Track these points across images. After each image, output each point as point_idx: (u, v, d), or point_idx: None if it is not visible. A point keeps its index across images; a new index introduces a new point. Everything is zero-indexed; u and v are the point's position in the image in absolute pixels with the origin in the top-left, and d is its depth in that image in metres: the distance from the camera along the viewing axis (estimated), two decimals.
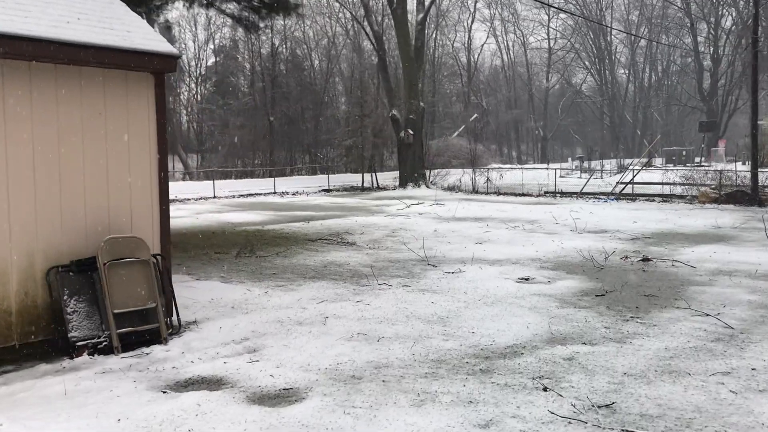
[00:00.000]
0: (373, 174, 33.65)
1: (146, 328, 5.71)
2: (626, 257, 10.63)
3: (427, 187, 31.28)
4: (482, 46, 79.13)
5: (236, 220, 17.58)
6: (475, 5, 71.17)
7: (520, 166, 45.76)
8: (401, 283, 8.62)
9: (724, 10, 62.68)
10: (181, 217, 18.78)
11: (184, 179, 45.14)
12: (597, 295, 7.91)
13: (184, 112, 61.24)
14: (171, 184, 26.59)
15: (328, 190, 31.54)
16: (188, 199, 26.07)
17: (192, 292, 7.92)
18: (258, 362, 5.28)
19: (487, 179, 30.53)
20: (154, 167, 6.17)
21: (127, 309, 5.60)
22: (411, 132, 31.30)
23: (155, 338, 5.75)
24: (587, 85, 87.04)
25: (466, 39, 74.79)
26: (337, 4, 43.55)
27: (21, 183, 5.35)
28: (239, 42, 57.23)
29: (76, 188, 5.66)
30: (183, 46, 60.98)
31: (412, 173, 31.57)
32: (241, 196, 28.01)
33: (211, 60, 61.17)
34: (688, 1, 61.95)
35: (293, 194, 29.28)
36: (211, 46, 60.90)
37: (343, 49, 55.67)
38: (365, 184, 33.27)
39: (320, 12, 53.04)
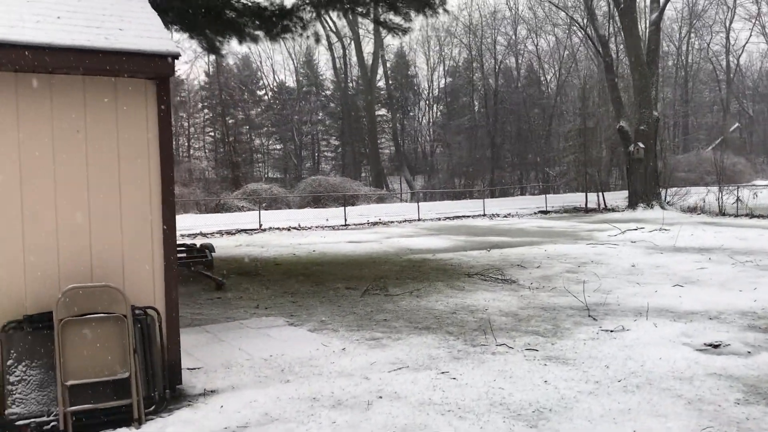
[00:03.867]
0: (599, 193, 30.33)
1: (113, 405, 4.43)
2: None
3: (662, 208, 27.30)
4: (744, 46, 69.58)
5: (416, 246, 16.22)
6: (734, 2, 62.85)
7: None
8: (529, 344, 6.48)
9: None
10: (367, 241, 17.94)
11: (410, 201, 45.12)
12: None
13: (414, 133, 62.00)
14: (390, 206, 26.42)
15: (545, 212, 29.02)
16: (392, 222, 25.39)
17: (259, 344, 6.60)
18: None
19: (737, 199, 25.79)
20: (155, 197, 4.93)
21: (87, 380, 4.37)
22: (641, 146, 27.60)
23: (131, 418, 4.44)
24: None
25: (726, 40, 66.38)
26: (563, 14, 40.66)
27: None
28: (474, 61, 56.51)
29: (45, 226, 4.59)
30: (416, 69, 61.99)
31: (644, 192, 27.79)
32: (447, 218, 26.68)
33: (443, 81, 61.32)
34: None
35: (504, 216, 27.29)
36: (445, 67, 61.04)
37: (574, 61, 52.24)
38: (590, 205, 30.11)
39: (552, 22, 50.30)
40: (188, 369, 5.73)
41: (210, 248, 12.46)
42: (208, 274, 10.66)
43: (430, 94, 62.34)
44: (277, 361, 5.98)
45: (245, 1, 11.39)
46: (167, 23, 13.01)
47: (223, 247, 17.27)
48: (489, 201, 35.64)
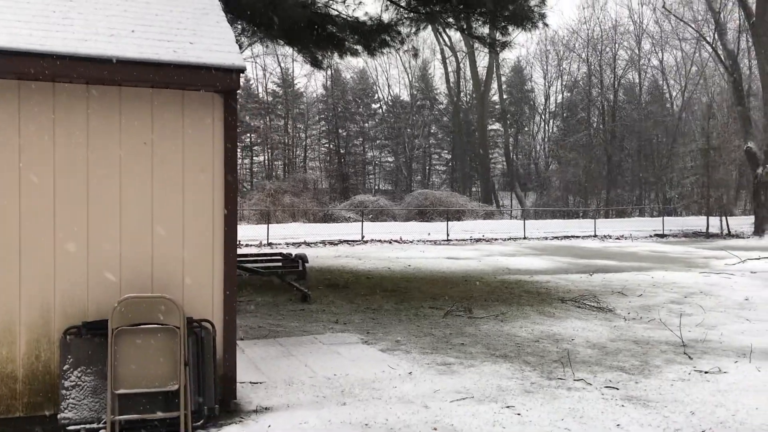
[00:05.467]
0: (723, 218, 28.40)
1: (161, 416, 4.44)
2: None
3: None
4: None
5: (514, 266, 15.73)
6: None
7: None
8: (610, 381, 6.00)
9: None
10: (465, 258, 17.63)
11: (520, 218, 44.20)
12: None
13: (528, 148, 60.79)
14: (497, 222, 26.07)
15: (661, 235, 27.51)
16: (496, 239, 24.88)
17: (326, 361, 6.50)
18: None
19: None
20: (218, 211, 4.93)
21: (137, 390, 4.40)
22: None
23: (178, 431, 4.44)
24: None
25: None
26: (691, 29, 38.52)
27: (37, 223, 4.55)
28: (593, 76, 54.72)
29: (109, 233, 4.69)
30: (532, 83, 60.84)
31: None
32: (555, 238, 25.82)
33: (560, 96, 59.82)
34: None
35: (616, 238, 26.08)
36: (563, 82, 59.53)
37: (702, 77, 49.34)
38: (711, 230, 28.27)
39: (679, 36, 47.84)
40: (251, 383, 5.71)
41: (304, 258, 12.57)
42: (296, 285, 10.74)
43: (547, 109, 60.99)
44: (339, 381, 5.85)
45: (345, 16, 11.50)
46: (273, 38, 13.35)
47: (322, 257, 17.48)
48: (602, 221, 34.26)
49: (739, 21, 34.12)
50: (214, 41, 4.97)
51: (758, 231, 26.16)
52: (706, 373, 6.30)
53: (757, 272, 14.67)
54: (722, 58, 29.20)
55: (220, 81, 4.74)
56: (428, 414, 5.05)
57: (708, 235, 27.59)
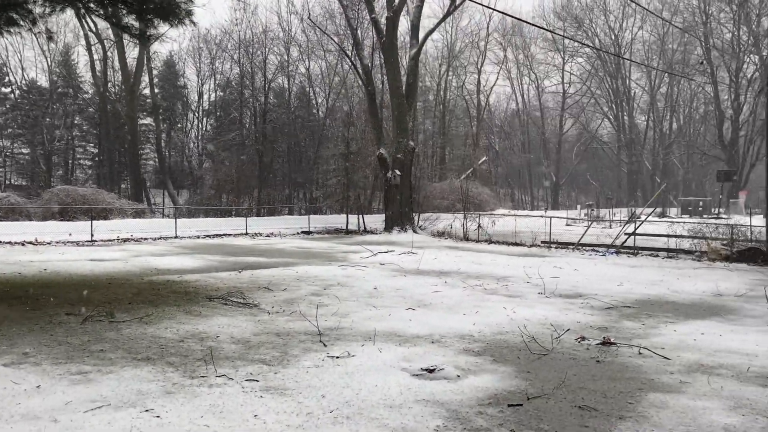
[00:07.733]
0: (360, 216, 31.42)
1: None
2: (583, 338, 8.16)
3: (415, 232, 28.98)
4: (492, 87, 77.06)
5: (164, 266, 15.35)
6: (485, 47, 69.50)
7: (514, 213, 43.44)
8: (251, 374, 6.24)
9: (747, 57, 60.51)
10: (111, 260, 16.64)
11: (172, 216, 43.17)
12: (511, 405, 5.48)
13: (182, 145, 59.82)
14: (145, 221, 24.72)
15: (308, 232, 29.35)
16: (145, 239, 23.98)
17: None
18: None
19: (479, 226, 28.13)
20: None
21: None
22: (398, 173, 29.12)
23: None
24: (606, 130, 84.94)
25: (477, 80, 73.04)
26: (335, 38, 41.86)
27: None
28: (245, 77, 55.89)
29: None
30: (185, 80, 59.95)
31: (399, 217, 29.31)
32: (207, 236, 25.85)
33: (214, 95, 59.98)
34: (709, 48, 59.90)
35: (267, 236, 27.10)
36: (216, 81, 59.70)
37: (344, 87, 54.01)
38: (351, 227, 31.05)
39: (324, 48, 51.56)
40: None
41: None
42: None
43: (200, 107, 60.64)
44: None
45: None
46: None
47: None
48: (254, 219, 35.31)
49: (373, 39, 38.05)
50: None
51: (388, 228, 29.45)
52: (337, 358, 6.92)
53: (385, 264, 16.56)
54: (359, 71, 32.23)
55: None
56: (57, 428, 4.70)
57: (348, 232, 30.21)
